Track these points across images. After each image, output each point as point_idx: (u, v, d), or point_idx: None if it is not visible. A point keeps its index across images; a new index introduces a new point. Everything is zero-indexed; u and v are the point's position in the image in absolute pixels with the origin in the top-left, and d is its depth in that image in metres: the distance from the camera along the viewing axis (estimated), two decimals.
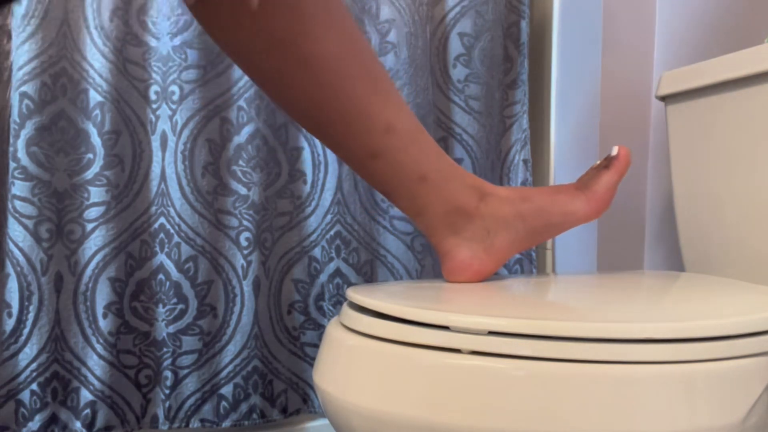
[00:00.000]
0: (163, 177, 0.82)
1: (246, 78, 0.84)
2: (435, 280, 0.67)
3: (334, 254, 0.90)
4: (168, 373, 0.82)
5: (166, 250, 0.82)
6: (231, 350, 0.85)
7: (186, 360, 0.83)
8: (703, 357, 0.42)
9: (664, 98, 0.84)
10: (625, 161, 0.66)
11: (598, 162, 0.68)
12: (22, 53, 0.76)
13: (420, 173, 0.60)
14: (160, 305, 0.82)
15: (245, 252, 0.85)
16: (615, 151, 0.66)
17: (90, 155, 0.79)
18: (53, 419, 0.78)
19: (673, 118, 0.83)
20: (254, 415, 0.86)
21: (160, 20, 0.81)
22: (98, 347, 0.79)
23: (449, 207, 0.62)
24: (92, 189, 0.79)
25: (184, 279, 0.83)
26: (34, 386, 0.77)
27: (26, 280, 0.76)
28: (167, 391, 0.82)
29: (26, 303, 0.77)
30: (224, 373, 0.84)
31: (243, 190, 0.85)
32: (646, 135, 1.09)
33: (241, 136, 0.84)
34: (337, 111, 0.57)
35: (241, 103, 0.84)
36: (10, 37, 0.76)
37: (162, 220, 0.82)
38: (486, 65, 0.95)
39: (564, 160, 1.02)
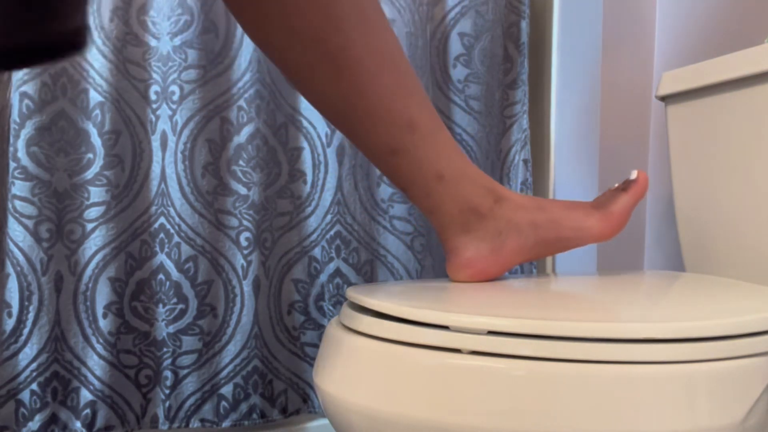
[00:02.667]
0: (163, 177, 0.82)
1: (246, 78, 0.84)
2: (435, 280, 0.67)
3: (334, 254, 0.90)
4: (168, 373, 0.82)
5: (166, 250, 0.82)
6: (231, 350, 0.85)
7: (186, 360, 0.83)
8: (703, 357, 0.42)
9: (664, 98, 0.84)
10: (643, 185, 0.66)
11: (617, 185, 0.68)
12: None
13: (437, 171, 0.61)
14: (160, 305, 0.82)
15: (245, 252, 0.85)
16: (634, 174, 0.67)
17: (90, 155, 0.79)
18: (53, 419, 0.78)
19: (673, 118, 0.83)
20: (254, 415, 0.86)
21: (160, 20, 0.81)
22: (98, 347, 0.79)
23: (464, 206, 0.62)
24: (92, 189, 0.79)
25: (184, 279, 0.83)
26: (34, 386, 0.77)
27: (26, 280, 0.76)
28: (167, 391, 0.82)
29: (26, 303, 0.77)
30: (224, 373, 0.84)
31: (243, 190, 0.85)
32: (646, 135, 1.09)
33: (241, 136, 0.84)
34: (362, 106, 0.57)
35: (241, 103, 0.84)
36: None
37: (162, 220, 0.82)
38: (486, 65, 0.95)
39: (564, 160, 1.02)
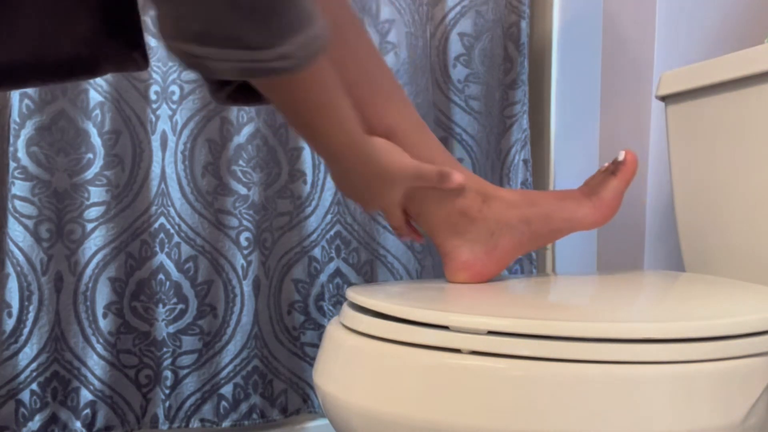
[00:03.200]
0: (163, 177, 0.82)
1: None
2: (435, 280, 0.67)
3: (334, 254, 0.90)
4: (168, 373, 0.82)
5: (166, 250, 0.82)
6: (231, 350, 0.85)
7: (186, 360, 0.83)
8: (703, 357, 0.42)
9: (664, 98, 0.84)
10: (632, 167, 0.65)
11: (606, 165, 0.67)
12: None
13: None
14: (160, 305, 0.82)
15: (245, 252, 0.85)
16: (622, 156, 0.65)
17: (90, 155, 0.79)
18: (53, 419, 0.78)
19: (673, 118, 0.83)
20: (254, 415, 0.86)
21: None
22: (98, 347, 0.79)
23: (451, 210, 0.62)
24: (92, 189, 0.79)
25: (184, 279, 0.83)
26: (34, 386, 0.77)
27: (26, 280, 0.77)
28: (167, 391, 0.82)
29: (26, 303, 0.77)
30: (224, 373, 0.84)
31: (243, 190, 0.85)
32: (646, 135, 1.09)
33: (241, 136, 0.84)
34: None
35: None
36: None
37: (162, 220, 0.82)
38: (486, 65, 0.95)
39: (564, 160, 1.02)
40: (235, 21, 0.37)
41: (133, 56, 0.45)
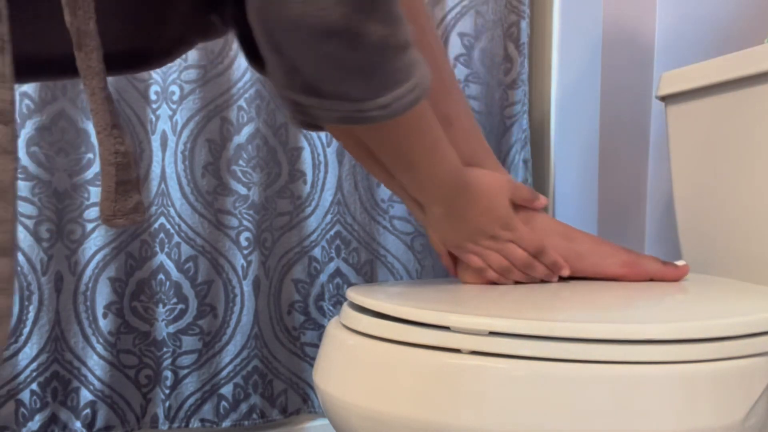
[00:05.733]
0: (163, 177, 0.82)
1: (246, 78, 0.84)
2: (435, 280, 0.67)
3: (334, 254, 0.90)
4: (168, 373, 0.82)
5: (166, 250, 0.82)
6: (231, 350, 0.85)
7: (186, 360, 0.83)
8: (703, 357, 0.42)
9: (664, 98, 0.84)
10: (679, 275, 0.64)
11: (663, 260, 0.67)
12: None
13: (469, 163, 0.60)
14: (160, 305, 0.82)
15: (245, 252, 0.85)
16: (681, 263, 0.65)
17: (90, 155, 0.79)
18: (53, 419, 0.78)
19: (673, 118, 0.83)
20: (254, 415, 0.86)
21: None
22: (98, 347, 0.79)
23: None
24: (92, 189, 0.79)
25: (184, 279, 0.83)
26: (34, 386, 0.77)
27: (26, 280, 0.76)
28: (167, 391, 0.82)
29: (26, 303, 0.77)
30: (224, 373, 0.84)
31: (243, 190, 0.85)
32: (646, 135, 1.09)
33: (241, 136, 0.84)
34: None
35: (241, 103, 0.84)
36: None
37: (162, 220, 0.82)
38: (486, 65, 0.95)
39: (564, 160, 1.02)
40: (341, 78, 0.40)
41: (212, 20, 0.46)
